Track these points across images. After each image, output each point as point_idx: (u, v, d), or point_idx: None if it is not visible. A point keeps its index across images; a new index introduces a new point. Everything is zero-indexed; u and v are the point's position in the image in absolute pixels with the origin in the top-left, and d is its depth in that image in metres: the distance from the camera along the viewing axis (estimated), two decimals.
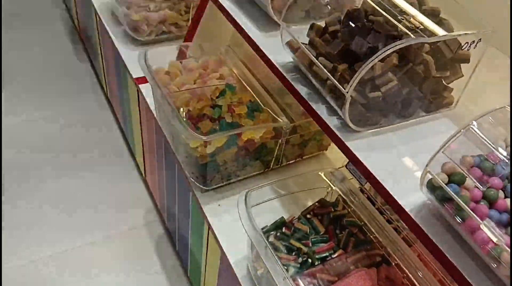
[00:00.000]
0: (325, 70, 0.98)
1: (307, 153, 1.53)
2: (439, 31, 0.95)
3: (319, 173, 1.27)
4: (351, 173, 1.27)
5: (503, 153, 0.74)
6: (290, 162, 1.52)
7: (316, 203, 1.25)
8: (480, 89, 1.08)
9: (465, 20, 1.01)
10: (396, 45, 0.89)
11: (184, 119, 1.31)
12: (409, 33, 0.92)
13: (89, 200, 2.25)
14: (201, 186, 1.37)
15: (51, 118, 2.69)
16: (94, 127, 2.65)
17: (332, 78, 0.96)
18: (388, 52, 0.89)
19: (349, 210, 1.18)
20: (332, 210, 1.22)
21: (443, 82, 1.03)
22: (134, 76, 1.84)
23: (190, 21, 1.99)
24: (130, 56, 1.95)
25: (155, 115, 1.64)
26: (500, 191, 0.75)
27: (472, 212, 0.70)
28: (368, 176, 0.92)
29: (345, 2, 1.18)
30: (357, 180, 1.25)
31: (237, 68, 1.58)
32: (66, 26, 3.49)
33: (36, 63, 3.10)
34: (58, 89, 2.90)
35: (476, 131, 0.74)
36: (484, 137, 0.74)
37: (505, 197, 0.75)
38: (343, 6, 1.15)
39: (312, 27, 1.10)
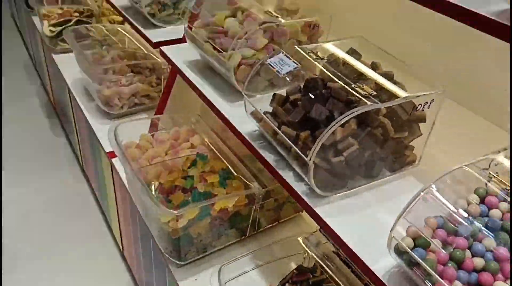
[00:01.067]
0: (288, 140, 1.00)
1: (283, 216, 1.52)
2: (394, 94, 0.99)
3: (296, 238, 1.26)
4: (325, 236, 1.26)
5: (463, 214, 0.75)
6: (267, 226, 1.51)
7: (294, 270, 1.22)
8: (440, 144, 1.11)
9: (417, 82, 1.06)
10: (353, 113, 0.92)
11: (155, 193, 1.30)
12: (365, 99, 0.96)
13: (68, 276, 2.16)
14: (176, 261, 1.34)
15: (28, 194, 2.64)
16: (71, 202, 2.60)
17: (295, 147, 0.98)
18: (347, 118, 0.92)
19: (327, 275, 1.16)
20: (311, 276, 1.20)
21: (403, 141, 1.06)
22: (107, 150, 1.84)
23: (161, 91, 2.03)
24: (103, 130, 1.95)
25: (128, 189, 1.63)
26: (467, 250, 0.76)
27: (440, 278, 0.70)
28: (338, 242, 0.92)
29: (305, 71, 1.23)
30: (331, 243, 1.24)
31: (208, 136, 1.60)
32: (42, 101, 3.53)
33: (12, 139, 3.09)
34: (34, 165, 2.87)
35: (435, 195, 0.75)
36: (443, 200, 0.75)
37: (472, 256, 0.75)
38: (303, 75, 1.20)
39: (274, 97, 1.14)
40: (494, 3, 0.77)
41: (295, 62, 1.04)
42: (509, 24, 0.72)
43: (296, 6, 1.43)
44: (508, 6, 0.77)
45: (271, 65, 1.05)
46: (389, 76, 1.09)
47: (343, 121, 0.92)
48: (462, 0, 0.81)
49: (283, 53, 1.07)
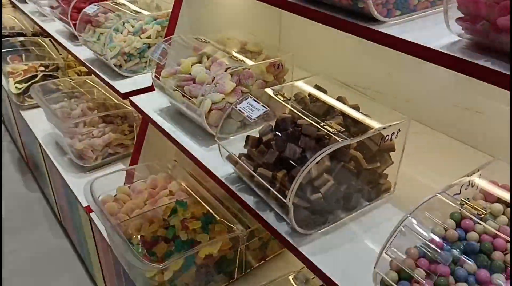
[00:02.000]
0: (265, 182, 1.01)
1: (269, 253, 1.51)
2: (363, 127, 1.03)
3: (286, 277, 1.25)
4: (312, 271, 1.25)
5: (441, 242, 0.77)
6: (255, 266, 1.50)
7: None
8: (413, 167, 1.15)
9: (383, 113, 1.10)
10: (325, 151, 0.94)
11: (138, 247, 1.28)
12: (335, 136, 0.98)
13: None
14: None
15: (7, 256, 2.55)
16: (53, 259, 2.52)
17: (272, 189, 0.99)
18: (320, 157, 0.94)
19: None
20: None
21: (377, 171, 1.08)
22: (84, 205, 1.81)
23: (135, 138, 2.03)
24: (79, 184, 1.93)
25: (110, 244, 1.60)
26: (450, 277, 0.77)
27: None
28: (325, 280, 0.92)
29: (275, 111, 1.26)
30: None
31: (186, 181, 1.60)
32: (13, 156, 3.46)
33: None
34: (10, 224, 2.79)
35: (413, 226, 0.77)
36: (421, 230, 0.77)
37: (456, 281, 0.77)
38: (273, 114, 1.23)
39: (247, 139, 1.15)
40: (447, 36, 0.81)
41: (264, 106, 1.06)
42: (461, 56, 0.76)
43: (259, 47, 1.47)
44: (458, 38, 0.82)
45: (241, 111, 1.07)
46: (355, 109, 1.12)
47: (317, 160, 0.94)
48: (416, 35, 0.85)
49: (251, 97, 1.09)
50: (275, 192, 0.97)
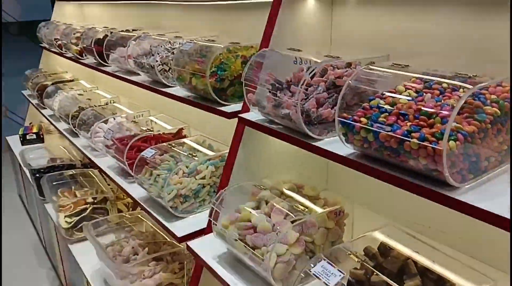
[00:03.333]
0: None
1: None
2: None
3: None
4: None
5: None
6: None
7: None
8: None
9: (462, 270, 1.06)
10: None
11: None
12: None
13: None
14: None
15: None
16: None
17: None
18: None
19: None
20: None
21: None
22: None
23: (185, 276, 2.00)
24: None
25: None
26: None
27: None
28: None
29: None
30: None
31: None
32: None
33: None
34: None
35: None
36: None
37: None
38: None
39: None
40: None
41: (340, 270, 1.04)
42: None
43: (316, 191, 1.49)
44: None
45: (316, 275, 1.05)
46: (431, 264, 1.09)
47: None
48: None
49: (324, 259, 1.08)
50: None
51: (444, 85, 1.06)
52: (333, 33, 1.67)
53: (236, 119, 1.60)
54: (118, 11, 3.53)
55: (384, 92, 1.11)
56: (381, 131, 1.00)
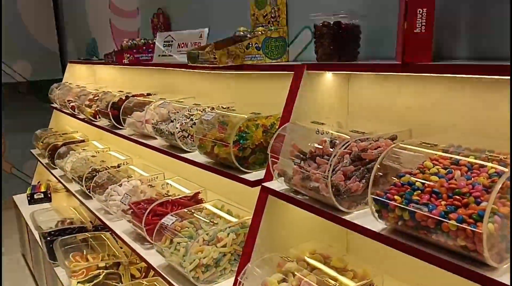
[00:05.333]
0: None
1: None
2: None
3: None
4: None
5: None
6: None
7: None
8: None
9: None
10: None
11: None
12: None
13: None
14: None
15: None
16: None
17: None
18: None
19: None
20: None
21: None
22: None
23: None
24: None
25: None
26: None
27: None
28: None
29: None
30: None
31: None
32: None
33: None
34: None
35: None
36: None
37: None
38: None
39: None
40: None
41: None
42: None
43: (343, 262, 1.49)
44: None
45: None
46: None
47: None
48: None
49: None
50: None
51: (471, 160, 1.10)
52: (350, 105, 1.74)
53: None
54: (131, 74, 3.65)
55: (413, 169, 1.15)
56: (417, 211, 1.02)
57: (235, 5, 2.42)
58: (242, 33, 2.04)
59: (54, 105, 4.40)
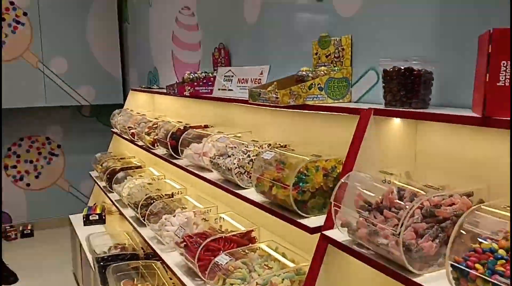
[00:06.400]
0: None
1: None
2: None
3: None
4: None
5: None
6: None
7: None
8: None
9: None
10: None
11: None
12: None
13: None
14: None
15: None
16: None
17: None
18: None
19: None
20: None
21: None
22: None
23: None
24: None
25: None
26: None
27: None
28: None
29: None
30: None
31: None
32: None
33: None
34: None
35: None
36: None
37: None
38: None
39: None
40: None
41: None
42: None
43: None
44: None
45: None
46: None
47: None
48: None
49: None
50: None
51: None
52: (417, 153, 1.66)
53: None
54: (189, 104, 3.73)
55: (495, 234, 1.06)
56: (502, 285, 0.93)
57: (297, 42, 2.43)
58: (304, 73, 2.02)
59: (114, 130, 4.58)
